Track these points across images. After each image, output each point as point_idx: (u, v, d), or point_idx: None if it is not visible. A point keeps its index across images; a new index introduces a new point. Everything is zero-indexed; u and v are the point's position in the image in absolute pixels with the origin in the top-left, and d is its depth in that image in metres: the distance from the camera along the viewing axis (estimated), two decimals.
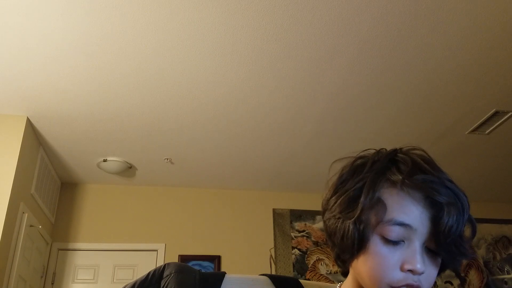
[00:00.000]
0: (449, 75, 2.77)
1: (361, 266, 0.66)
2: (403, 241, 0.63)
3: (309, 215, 4.54)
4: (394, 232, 0.62)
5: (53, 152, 3.68)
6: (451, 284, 4.54)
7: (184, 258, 4.12)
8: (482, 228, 4.82)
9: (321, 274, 4.33)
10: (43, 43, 2.43)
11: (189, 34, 2.38)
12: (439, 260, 0.65)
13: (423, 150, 0.69)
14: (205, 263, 4.17)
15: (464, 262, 4.57)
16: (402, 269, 0.62)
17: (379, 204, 0.64)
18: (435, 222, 0.62)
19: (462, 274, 4.59)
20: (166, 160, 3.86)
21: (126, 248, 4.13)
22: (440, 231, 0.61)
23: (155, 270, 0.80)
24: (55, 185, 4.07)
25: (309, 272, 4.31)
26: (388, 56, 2.58)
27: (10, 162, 2.98)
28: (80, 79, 2.75)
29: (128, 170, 4.01)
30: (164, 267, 0.81)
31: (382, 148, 0.71)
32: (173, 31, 2.36)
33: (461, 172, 4.14)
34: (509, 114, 3.20)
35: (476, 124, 3.33)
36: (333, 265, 4.33)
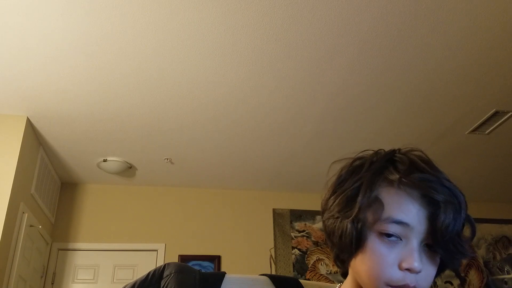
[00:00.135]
0: (449, 75, 2.77)
1: (359, 265, 0.66)
2: (401, 239, 0.63)
3: (309, 215, 4.54)
4: (392, 230, 0.63)
5: (53, 152, 3.68)
6: (451, 284, 4.54)
7: (184, 258, 4.12)
8: (482, 228, 4.83)
9: (321, 274, 4.33)
10: (43, 43, 2.43)
11: (189, 34, 2.38)
12: (438, 259, 0.65)
13: (421, 151, 0.69)
14: (205, 263, 4.17)
15: (464, 262, 4.57)
16: (400, 268, 0.62)
17: (377, 203, 0.65)
18: (432, 220, 0.62)
19: (462, 274, 4.59)
20: (166, 160, 3.86)
21: (126, 248, 4.13)
22: (437, 229, 0.62)
23: (155, 270, 0.80)
24: (55, 185, 4.07)
25: (309, 272, 4.31)
26: (388, 56, 2.58)
27: (10, 162, 2.98)
28: (80, 79, 2.75)
29: (128, 170, 4.01)
30: (164, 267, 0.81)
31: (381, 149, 0.72)
32: (173, 31, 2.36)
33: (461, 172, 4.14)
34: (509, 114, 3.20)
35: (476, 124, 3.33)
36: (333, 265, 4.33)
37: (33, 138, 3.35)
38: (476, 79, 2.82)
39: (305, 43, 2.47)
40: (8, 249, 2.97)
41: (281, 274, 2.60)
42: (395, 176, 0.65)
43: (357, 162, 0.71)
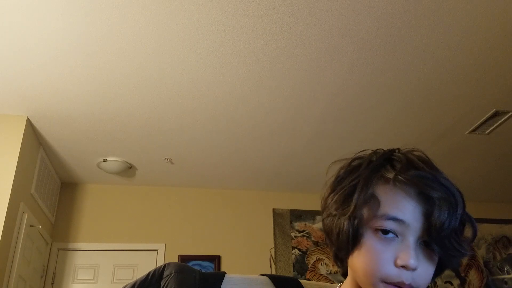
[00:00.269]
0: (449, 75, 2.77)
1: (356, 262, 0.66)
2: (397, 236, 0.63)
3: (309, 215, 4.54)
4: (387, 227, 0.63)
5: (53, 152, 3.68)
6: (451, 284, 4.54)
7: (184, 258, 4.12)
8: (482, 228, 4.83)
9: (321, 274, 4.33)
10: (43, 43, 2.43)
11: (189, 34, 2.38)
12: (436, 258, 0.65)
13: (421, 151, 0.69)
14: (205, 263, 4.17)
15: (464, 262, 4.57)
16: (395, 265, 0.62)
17: (373, 200, 0.65)
18: (428, 217, 0.62)
19: (462, 274, 4.59)
20: (166, 160, 3.86)
21: (126, 248, 4.13)
22: (432, 225, 0.61)
23: (155, 270, 0.80)
24: (55, 185, 4.07)
25: (309, 272, 4.31)
26: (388, 56, 2.58)
27: (10, 162, 2.98)
28: (80, 79, 2.75)
29: (128, 170, 4.01)
30: (164, 267, 0.81)
31: (380, 148, 0.72)
32: (173, 31, 2.36)
33: (461, 172, 4.14)
34: (509, 114, 3.20)
35: (476, 124, 3.33)
36: (333, 265, 4.33)
37: (33, 138, 3.35)
38: (476, 79, 2.82)
39: (305, 43, 2.47)
40: (8, 249, 2.97)
41: (281, 274, 2.60)
42: (391, 174, 0.65)
43: (356, 162, 0.71)
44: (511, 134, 3.51)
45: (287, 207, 4.57)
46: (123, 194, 4.34)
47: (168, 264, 0.81)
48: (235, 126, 3.35)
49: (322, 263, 4.37)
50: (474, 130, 3.43)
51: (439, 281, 4.48)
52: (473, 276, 4.64)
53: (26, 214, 3.20)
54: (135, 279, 0.80)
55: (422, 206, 0.63)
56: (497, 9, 2.25)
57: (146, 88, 2.86)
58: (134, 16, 2.26)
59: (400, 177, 0.64)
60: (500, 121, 3.29)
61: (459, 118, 3.28)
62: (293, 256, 4.36)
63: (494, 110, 3.14)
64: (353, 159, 0.72)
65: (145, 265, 4.07)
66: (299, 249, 4.40)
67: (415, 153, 0.69)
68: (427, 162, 0.67)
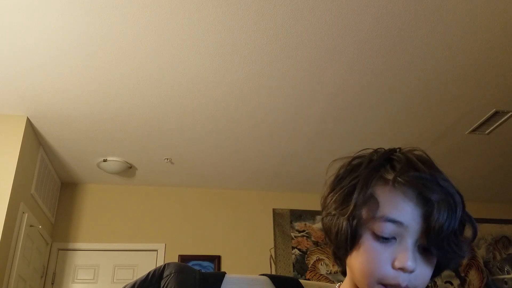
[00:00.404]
0: (449, 75, 2.77)
1: (353, 262, 0.66)
2: (395, 238, 0.63)
3: (309, 215, 4.54)
4: (386, 228, 0.62)
5: (53, 152, 3.68)
6: (451, 284, 4.54)
7: (184, 258, 4.12)
8: (482, 228, 4.82)
9: (321, 274, 4.33)
10: (43, 43, 2.43)
11: (189, 34, 2.38)
12: (434, 260, 0.64)
13: (422, 151, 0.69)
14: (205, 263, 4.17)
15: (464, 262, 4.57)
16: (393, 266, 0.62)
17: (372, 201, 0.64)
18: (426, 219, 0.62)
19: (462, 274, 4.59)
20: (166, 160, 3.86)
21: (126, 248, 4.13)
22: (431, 228, 0.61)
23: (155, 270, 0.80)
24: (55, 185, 4.07)
25: (309, 272, 4.31)
26: (388, 56, 2.58)
27: (10, 162, 2.98)
28: (80, 79, 2.75)
29: (128, 170, 4.01)
30: (164, 267, 0.81)
31: (380, 148, 0.72)
32: (173, 31, 2.36)
33: (461, 172, 4.14)
34: (509, 114, 3.20)
35: (476, 124, 3.33)
36: (333, 265, 4.33)
37: (33, 138, 3.35)
38: (476, 79, 2.82)
39: (305, 43, 2.47)
40: (8, 249, 2.97)
41: (281, 274, 2.60)
42: (390, 175, 0.65)
43: (356, 161, 0.71)
44: (511, 134, 3.51)
45: (287, 207, 4.57)
46: (123, 194, 4.34)
47: (168, 264, 0.81)
48: (235, 126, 3.35)
49: (322, 263, 4.37)
50: (474, 130, 3.43)
51: (439, 281, 4.48)
52: (473, 276, 4.64)
53: (26, 214, 3.20)
54: (135, 279, 0.80)
55: (421, 208, 0.62)
56: (497, 9, 2.24)
57: (146, 88, 2.86)
58: (134, 16, 2.26)
59: (399, 179, 0.64)
60: (500, 121, 3.29)
61: (459, 118, 3.28)
62: (293, 256, 4.36)
63: (494, 110, 3.14)
64: (354, 158, 0.71)
65: (145, 265, 4.07)
66: (299, 249, 4.40)
67: (416, 152, 0.68)
68: (427, 162, 0.66)
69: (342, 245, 0.66)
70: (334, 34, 2.40)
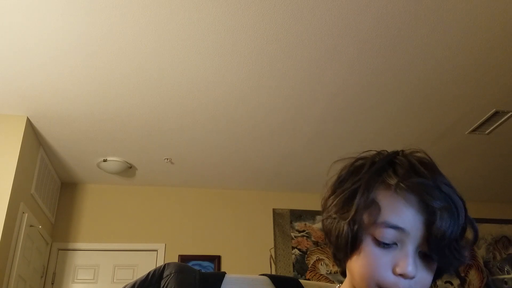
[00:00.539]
0: (449, 75, 2.77)
1: (353, 266, 0.66)
2: (396, 243, 0.62)
3: (309, 215, 4.54)
4: (387, 234, 0.62)
5: (53, 152, 3.68)
6: (451, 284, 4.54)
7: (184, 258, 4.12)
8: (482, 228, 4.82)
9: (321, 274, 4.33)
10: (43, 43, 2.43)
11: (189, 34, 2.38)
12: (434, 265, 0.64)
13: (425, 153, 0.68)
14: (205, 263, 4.17)
15: None
16: (393, 272, 0.61)
17: (373, 206, 0.64)
18: (428, 226, 0.61)
19: (462, 274, 4.59)
20: (166, 160, 3.86)
21: (126, 248, 4.13)
22: (433, 235, 0.61)
23: (155, 270, 0.80)
24: (55, 185, 4.07)
25: (309, 272, 4.31)
26: (388, 56, 2.58)
27: (10, 162, 2.98)
28: (80, 79, 2.75)
29: (128, 170, 4.01)
30: (164, 267, 0.81)
31: (383, 150, 0.71)
32: (173, 31, 2.36)
33: (461, 172, 4.14)
34: (509, 114, 3.20)
35: (476, 124, 3.33)
36: (333, 265, 4.33)
37: (33, 138, 3.35)
38: (476, 79, 2.82)
39: (305, 43, 2.47)
40: (8, 249, 2.97)
41: (281, 274, 2.60)
42: (393, 180, 0.64)
43: (358, 163, 0.70)
44: (511, 134, 3.51)
45: (287, 207, 4.57)
46: (123, 194, 4.34)
47: (168, 264, 0.81)
48: (235, 126, 3.35)
49: (322, 263, 4.37)
50: (474, 130, 3.43)
51: (439, 281, 4.48)
52: (473, 276, 4.64)
53: (26, 214, 3.20)
54: (135, 279, 0.80)
55: (423, 214, 0.62)
56: (497, 9, 2.24)
57: (146, 88, 2.86)
58: (134, 16, 2.25)
59: (401, 184, 0.63)
60: (500, 121, 3.29)
61: (459, 118, 3.27)
62: (293, 256, 4.36)
63: (494, 110, 3.14)
64: (356, 159, 0.71)
65: (145, 265, 4.07)
66: (299, 249, 4.40)
67: (418, 155, 0.68)
68: (429, 166, 0.65)
69: (342, 248, 0.66)
70: (334, 34, 2.40)
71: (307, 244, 4.44)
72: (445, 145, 3.66)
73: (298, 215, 4.54)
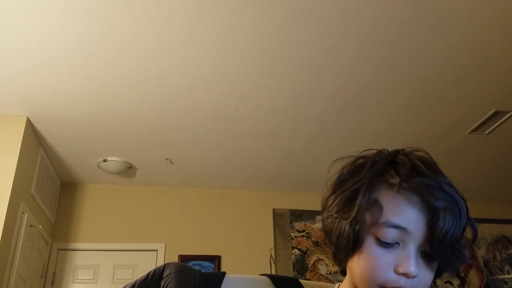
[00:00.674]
0: (449, 75, 2.77)
1: (355, 266, 0.66)
2: (398, 243, 0.62)
3: (309, 215, 4.54)
4: (389, 234, 0.62)
5: (53, 152, 3.68)
6: (451, 284, 4.54)
7: (184, 258, 4.12)
8: (482, 228, 4.82)
9: (321, 274, 4.33)
10: (43, 43, 2.43)
11: (189, 34, 2.38)
12: (435, 264, 0.64)
13: (425, 152, 0.68)
14: (205, 263, 4.17)
15: None
16: (396, 272, 0.62)
17: (375, 206, 0.64)
18: (431, 226, 0.61)
19: (462, 274, 4.58)
20: (166, 160, 3.86)
21: (126, 248, 4.13)
22: (435, 235, 0.61)
23: (155, 270, 0.80)
24: (55, 185, 4.07)
25: (309, 272, 4.31)
26: (388, 56, 2.58)
27: (10, 162, 2.98)
28: (80, 79, 2.75)
29: (128, 170, 4.01)
30: (164, 267, 0.81)
31: (384, 149, 0.71)
32: (173, 31, 2.36)
33: (461, 172, 4.14)
34: (509, 114, 3.20)
35: (476, 124, 3.33)
36: (333, 265, 4.33)
37: (33, 138, 3.35)
38: (476, 79, 2.82)
39: (305, 43, 2.47)
40: (8, 249, 2.97)
41: (281, 274, 2.60)
42: (395, 180, 0.64)
43: (359, 162, 0.70)
44: (511, 134, 3.51)
45: (287, 207, 4.57)
46: (123, 194, 4.34)
47: (168, 264, 0.81)
48: (235, 126, 3.35)
49: (322, 263, 4.37)
50: (474, 130, 3.43)
51: (439, 281, 4.48)
52: (473, 276, 4.64)
53: (26, 214, 3.20)
54: (135, 279, 0.80)
55: (425, 215, 0.62)
56: (497, 9, 2.24)
57: (146, 88, 2.86)
58: (134, 16, 2.25)
59: (404, 184, 0.63)
60: (500, 121, 3.29)
61: (459, 118, 3.27)
62: (293, 256, 4.36)
63: (494, 110, 3.14)
64: (357, 159, 0.71)
65: (145, 265, 4.07)
66: (299, 249, 4.40)
67: (419, 154, 0.68)
68: (431, 166, 0.65)
69: (344, 248, 0.66)
70: (334, 34, 2.40)
71: (307, 244, 4.44)
72: (445, 145, 3.66)
73: (298, 215, 4.54)
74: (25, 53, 2.51)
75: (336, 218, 0.67)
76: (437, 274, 0.67)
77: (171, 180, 4.28)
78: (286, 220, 4.52)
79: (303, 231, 4.49)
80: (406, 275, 0.61)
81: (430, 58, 2.60)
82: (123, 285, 0.81)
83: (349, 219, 0.65)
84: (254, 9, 2.22)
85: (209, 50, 2.51)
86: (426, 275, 0.63)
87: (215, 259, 4.21)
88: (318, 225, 4.51)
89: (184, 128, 3.36)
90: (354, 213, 0.64)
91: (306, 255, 4.38)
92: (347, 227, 0.65)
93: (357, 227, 0.64)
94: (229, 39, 2.43)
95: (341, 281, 0.76)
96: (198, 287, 0.78)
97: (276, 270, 4.22)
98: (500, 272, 4.72)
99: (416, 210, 0.62)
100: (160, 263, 3.54)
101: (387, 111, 3.17)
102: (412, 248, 0.62)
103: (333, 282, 3.81)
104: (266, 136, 3.50)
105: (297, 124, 3.33)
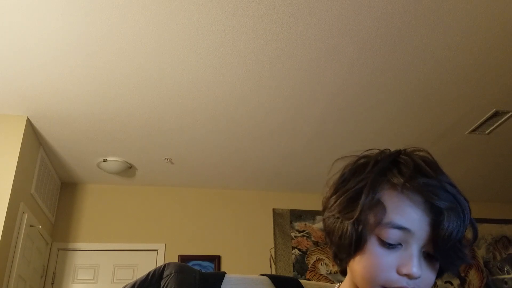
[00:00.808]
0: (449, 75, 2.77)
1: (356, 266, 0.65)
2: (401, 244, 0.62)
3: (309, 215, 4.54)
4: (392, 234, 0.62)
5: (53, 152, 3.68)
6: (451, 284, 4.54)
7: (184, 258, 4.12)
8: (482, 228, 4.82)
9: (321, 274, 4.33)
10: (43, 43, 2.43)
11: (189, 34, 2.38)
12: (437, 265, 0.64)
13: (427, 152, 0.68)
14: (205, 263, 4.17)
15: None
16: (398, 273, 0.61)
17: (379, 206, 0.64)
18: (435, 227, 0.61)
19: (462, 274, 4.59)
20: (166, 160, 3.86)
21: (126, 248, 4.13)
22: (439, 236, 0.61)
23: (155, 270, 0.80)
24: (55, 185, 4.07)
25: (309, 272, 4.31)
26: (388, 56, 2.58)
27: (10, 162, 2.98)
28: (80, 79, 2.75)
29: (128, 170, 4.01)
30: (164, 267, 0.80)
31: (386, 149, 0.70)
32: (173, 31, 2.36)
33: (461, 172, 4.14)
34: (509, 114, 3.20)
35: (476, 124, 3.33)
36: (333, 265, 4.33)
37: (33, 138, 3.35)
38: (476, 79, 2.82)
39: (305, 43, 2.47)
40: (8, 249, 2.97)
41: (281, 274, 2.60)
42: (398, 180, 0.64)
43: (361, 161, 0.70)
44: (511, 134, 3.51)
45: (287, 207, 4.57)
46: (123, 194, 4.34)
47: (168, 264, 0.81)
48: (235, 126, 3.34)
49: (322, 263, 4.37)
50: (474, 130, 3.43)
51: (439, 281, 4.48)
52: (473, 276, 4.64)
53: (26, 214, 3.20)
54: (135, 279, 0.80)
55: (428, 215, 0.62)
56: (497, 9, 2.24)
57: (146, 88, 2.86)
58: (134, 16, 2.25)
59: (407, 184, 0.63)
60: (500, 121, 3.29)
61: (459, 118, 3.27)
62: (293, 256, 4.36)
63: (494, 110, 3.14)
64: (359, 158, 0.70)
65: (145, 265, 4.07)
66: (299, 249, 4.40)
67: (421, 153, 0.68)
68: (433, 166, 0.65)
69: (345, 248, 0.66)
70: (334, 34, 2.40)
71: (307, 244, 4.44)
72: (445, 145, 3.66)
73: (298, 215, 4.54)
74: (25, 53, 2.51)
75: (338, 218, 0.67)
76: (439, 274, 0.67)
77: (171, 180, 4.28)
78: (286, 220, 4.51)
79: (303, 231, 4.49)
80: (409, 276, 0.61)
81: (430, 58, 2.60)
82: (123, 285, 0.81)
83: (352, 219, 0.64)
84: (254, 9, 2.22)
85: (209, 50, 2.51)
86: (428, 275, 0.63)
87: (215, 259, 4.21)
88: (318, 225, 4.51)
89: (184, 128, 3.36)
90: (357, 213, 0.64)
91: (306, 255, 4.38)
92: (349, 227, 0.64)
93: (360, 227, 0.64)
94: (229, 39, 2.43)
95: (341, 281, 0.76)
96: (198, 287, 0.78)
97: (276, 270, 4.22)
98: (500, 272, 4.72)
99: (419, 211, 0.62)
100: (160, 263, 3.54)
101: (387, 111, 3.17)
102: (415, 248, 0.62)
103: (333, 282, 3.81)
104: (266, 136, 3.50)
105: (297, 124, 3.33)
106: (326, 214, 0.70)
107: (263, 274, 0.86)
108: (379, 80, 2.81)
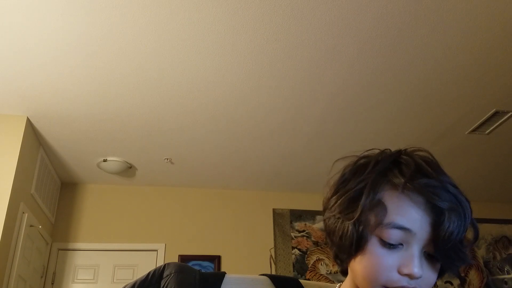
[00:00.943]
0: (449, 75, 2.77)
1: (357, 266, 0.65)
2: (402, 244, 0.62)
3: (309, 215, 4.54)
4: (393, 235, 0.62)
5: (53, 152, 3.68)
6: (451, 284, 4.54)
7: (184, 258, 4.12)
8: (482, 228, 4.82)
9: (321, 274, 4.33)
10: (43, 43, 2.43)
11: (189, 34, 2.38)
12: (439, 265, 0.64)
13: (428, 152, 0.68)
14: (205, 263, 4.17)
15: None
16: (399, 273, 0.61)
17: (379, 206, 0.63)
18: (436, 227, 0.61)
19: (462, 274, 4.58)
20: (166, 160, 3.86)
21: (126, 248, 4.13)
22: (440, 236, 0.61)
23: (155, 270, 0.80)
24: (55, 185, 4.07)
25: (309, 272, 4.31)
26: (388, 56, 2.58)
27: (10, 162, 2.98)
28: (80, 79, 2.75)
29: (128, 170, 4.01)
30: (164, 267, 0.80)
31: (387, 149, 0.70)
32: (173, 31, 2.36)
33: (461, 172, 4.14)
34: (509, 114, 3.20)
35: (476, 124, 3.33)
36: (333, 265, 4.33)
37: (33, 138, 3.35)
38: (476, 79, 2.82)
39: (305, 43, 2.47)
40: (8, 249, 2.97)
41: (281, 274, 2.60)
42: (399, 180, 0.64)
43: (362, 162, 0.69)
44: (511, 134, 3.51)
45: (287, 207, 4.57)
46: (123, 194, 4.34)
47: (168, 264, 0.81)
48: (235, 126, 3.34)
49: (322, 263, 4.37)
50: (474, 130, 3.43)
51: (439, 281, 4.48)
52: (473, 276, 4.64)
53: (26, 214, 3.20)
54: (135, 279, 0.80)
55: (430, 216, 0.62)
56: (497, 9, 2.24)
57: (146, 88, 2.86)
58: (134, 16, 2.25)
59: (408, 185, 0.63)
60: (500, 121, 3.29)
61: (459, 118, 3.27)
62: (293, 256, 4.36)
63: (494, 110, 3.14)
64: (359, 158, 0.70)
65: (145, 265, 4.07)
66: (299, 249, 4.40)
67: (422, 153, 0.67)
68: (434, 166, 0.65)
69: (346, 248, 0.66)
70: (334, 34, 2.40)
71: (307, 244, 4.44)
72: (445, 145, 3.66)
73: (298, 215, 4.54)
74: (25, 53, 2.51)
75: (339, 218, 0.67)
76: (439, 275, 0.67)
77: (171, 180, 4.28)
78: (286, 220, 4.52)
79: (303, 231, 4.49)
80: (410, 276, 0.61)
81: (430, 58, 2.60)
82: (123, 285, 0.81)
83: (353, 220, 0.64)
84: (254, 9, 2.22)
85: (209, 50, 2.51)
86: (429, 275, 0.63)
87: (215, 259, 4.21)
88: (318, 225, 4.51)
89: (184, 128, 3.36)
90: (358, 213, 0.64)
91: (306, 255, 4.38)
92: (350, 228, 0.64)
93: (361, 227, 0.64)
94: (229, 39, 2.43)
95: (342, 281, 0.76)
96: (198, 287, 0.78)
97: (276, 270, 4.22)
98: (500, 272, 4.72)
99: (420, 211, 0.62)
100: (160, 263, 3.54)
101: (387, 111, 3.17)
102: (416, 249, 0.62)
103: (333, 282, 3.81)
104: (266, 136, 3.50)
105: (297, 124, 3.33)
106: (327, 214, 0.70)
107: (263, 274, 0.86)
108: (379, 80, 2.81)
